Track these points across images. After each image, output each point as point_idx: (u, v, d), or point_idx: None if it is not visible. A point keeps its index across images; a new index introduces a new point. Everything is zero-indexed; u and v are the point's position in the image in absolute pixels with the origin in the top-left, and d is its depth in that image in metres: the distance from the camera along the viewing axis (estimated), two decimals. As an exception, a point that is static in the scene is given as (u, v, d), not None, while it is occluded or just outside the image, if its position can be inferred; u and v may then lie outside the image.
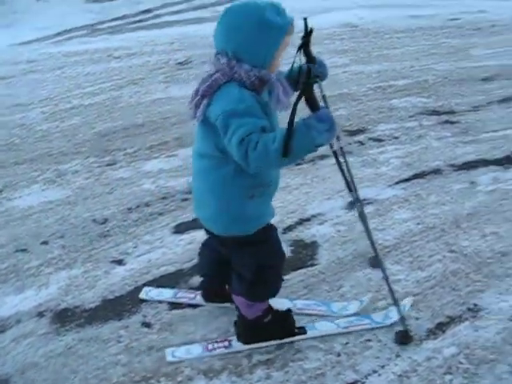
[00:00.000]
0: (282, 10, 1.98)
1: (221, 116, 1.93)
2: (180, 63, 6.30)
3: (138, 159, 4.26)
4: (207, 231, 2.41)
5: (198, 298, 2.78)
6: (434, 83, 5.80)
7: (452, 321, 2.67)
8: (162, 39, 7.30)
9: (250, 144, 1.87)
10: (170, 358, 2.46)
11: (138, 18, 8.74)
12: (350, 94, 5.47)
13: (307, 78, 1.93)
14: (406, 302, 2.69)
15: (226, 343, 2.51)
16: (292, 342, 2.52)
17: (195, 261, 2.98)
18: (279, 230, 3.33)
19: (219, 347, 2.49)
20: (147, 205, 3.65)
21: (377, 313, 2.69)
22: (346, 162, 2.42)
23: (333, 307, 2.72)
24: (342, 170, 2.38)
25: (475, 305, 2.77)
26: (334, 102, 5.22)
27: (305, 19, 2.09)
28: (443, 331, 2.61)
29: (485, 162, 4.23)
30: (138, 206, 3.63)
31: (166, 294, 2.83)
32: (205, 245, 2.64)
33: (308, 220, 3.45)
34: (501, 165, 4.18)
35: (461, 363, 2.45)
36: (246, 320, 2.45)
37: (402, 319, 2.53)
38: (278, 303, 2.60)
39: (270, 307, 2.49)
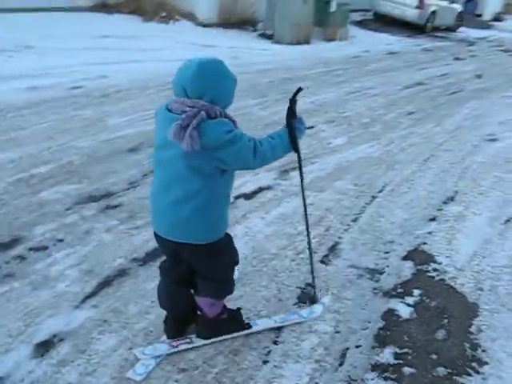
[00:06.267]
0: None
1: (226, 135, 2.45)
2: None
3: None
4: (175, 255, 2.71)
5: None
6: (81, 163, 5.19)
7: None
8: None
9: (257, 147, 2.57)
10: (140, 356, 2.70)
11: None
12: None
13: (294, 95, 2.82)
14: (326, 300, 3.37)
15: (188, 340, 2.88)
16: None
17: None
18: None
19: (182, 343, 2.83)
20: None
21: (303, 309, 3.26)
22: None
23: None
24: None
25: None
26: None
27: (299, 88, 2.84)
28: None
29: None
30: None
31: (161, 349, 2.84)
32: (166, 269, 2.85)
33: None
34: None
35: None
36: (207, 319, 2.86)
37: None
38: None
39: (225, 306, 2.92)
